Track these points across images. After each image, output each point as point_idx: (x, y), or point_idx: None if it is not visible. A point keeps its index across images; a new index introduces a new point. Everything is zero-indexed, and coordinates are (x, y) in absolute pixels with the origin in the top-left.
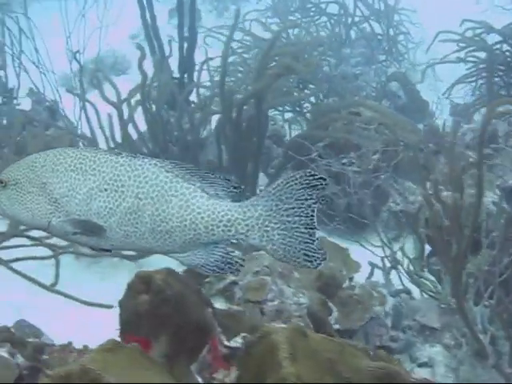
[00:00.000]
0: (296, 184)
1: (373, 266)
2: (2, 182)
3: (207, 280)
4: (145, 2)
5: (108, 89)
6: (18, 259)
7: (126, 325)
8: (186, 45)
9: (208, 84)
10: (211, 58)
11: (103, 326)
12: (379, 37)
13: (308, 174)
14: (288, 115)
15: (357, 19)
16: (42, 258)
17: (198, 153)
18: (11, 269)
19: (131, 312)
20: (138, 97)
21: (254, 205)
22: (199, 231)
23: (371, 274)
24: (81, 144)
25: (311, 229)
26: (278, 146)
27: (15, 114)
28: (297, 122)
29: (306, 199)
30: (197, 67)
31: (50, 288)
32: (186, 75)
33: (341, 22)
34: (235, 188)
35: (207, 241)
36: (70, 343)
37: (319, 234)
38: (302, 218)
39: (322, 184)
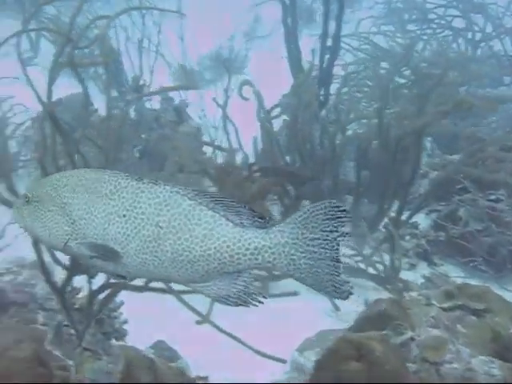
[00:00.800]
0: (321, 214)
1: None
2: (26, 198)
3: (383, 332)
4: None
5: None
6: (185, 291)
7: None
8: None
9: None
10: (353, 73)
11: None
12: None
13: (333, 205)
14: None
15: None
16: (208, 296)
17: (336, 171)
18: (181, 300)
19: (334, 377)
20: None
21: (281, 231)
22: (224, 260)
23: None
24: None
25: (336, 262)
26: None
27: (145, 112)
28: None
29: (331, 231)
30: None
31: (224, 330)
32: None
33: (466, 37)
34: (260, 218)
35: (232, 270)
36: None
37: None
38: (328, 251)
39: (345, 217)
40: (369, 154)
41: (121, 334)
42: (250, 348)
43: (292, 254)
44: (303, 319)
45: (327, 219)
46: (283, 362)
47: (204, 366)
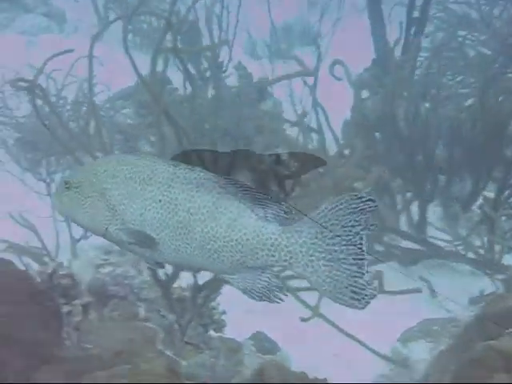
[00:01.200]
0: (341, 209)
1: None
2: (66, 184)
3: (508, 331)
4: None
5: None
6: (300, 289)
7: None
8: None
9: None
10: (442, 45)
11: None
12: None
13: (354, 197)
14: None
15: None
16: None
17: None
18: (297, 298)
19: None
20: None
21: (298, 231)
22: (245, 253)
23: None
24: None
25: (360, 259)
26: None
27: (223, 89)
28: None
29: (353, 226)
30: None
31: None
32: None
33: None
34: (285, 213)
35: (253, 264)
36: None
37: None
38: (350, 248)
39: (370, 207)
40: (462, 132)
41: (219, 326)
42: (366, 346)
43: (311, 255)
44: (398, 307)
45: (348, 213)
46: (392, 362)
47: (304, 359)
